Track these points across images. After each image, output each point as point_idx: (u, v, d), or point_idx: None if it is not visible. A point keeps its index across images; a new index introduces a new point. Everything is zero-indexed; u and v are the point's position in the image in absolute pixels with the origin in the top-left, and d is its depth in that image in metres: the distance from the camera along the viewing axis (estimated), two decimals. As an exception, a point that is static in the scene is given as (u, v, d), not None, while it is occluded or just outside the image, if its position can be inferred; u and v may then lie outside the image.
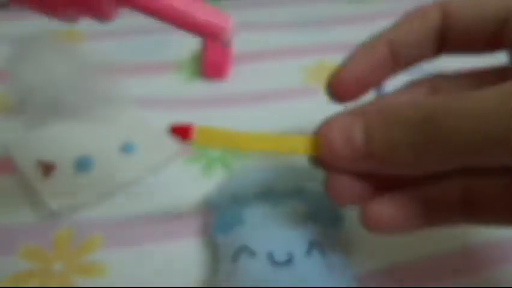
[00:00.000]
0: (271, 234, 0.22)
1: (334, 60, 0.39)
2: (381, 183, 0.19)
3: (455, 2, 0.20)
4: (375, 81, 0.21)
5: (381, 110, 0.18)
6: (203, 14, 0.14)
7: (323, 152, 0.18)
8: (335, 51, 0.40)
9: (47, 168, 0.27)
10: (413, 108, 0.16)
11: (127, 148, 0.29)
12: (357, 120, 0.18)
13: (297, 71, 0.38)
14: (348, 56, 0.21)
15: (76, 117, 0.31)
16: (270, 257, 0.21)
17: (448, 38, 0.20)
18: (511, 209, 0.19)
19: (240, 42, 0.39)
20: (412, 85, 0.22)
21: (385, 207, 0.19)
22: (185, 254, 0.25)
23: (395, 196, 0.19)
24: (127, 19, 0.46)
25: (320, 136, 0.19)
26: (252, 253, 0.22)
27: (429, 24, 0.20)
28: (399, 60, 0.21)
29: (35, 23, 0.30)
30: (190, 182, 0.29)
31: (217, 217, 0.25)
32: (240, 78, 0.37)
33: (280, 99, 0.35)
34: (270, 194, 0.25)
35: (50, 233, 0.25)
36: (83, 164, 0.28)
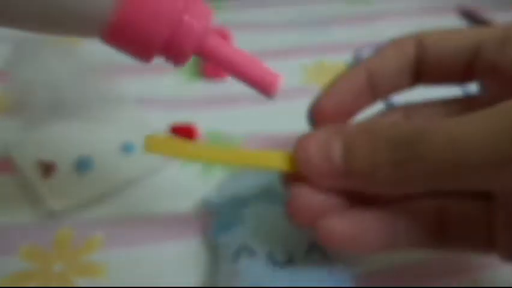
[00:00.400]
0: (271, 234, 0.22)
1: (334, 60, 0.39)
2: (352, 202, 0.19)
3: (429, 34, 0.20)
4: (354, 109, 0.21)
5: (364, 128, 0.18)
6: (259, 71, 0.17)
7: (300, 169, 0.18)
8: (335, 51, 0.40)
9: (47, 168, 0.27)
10: (398, 129, 0.17)
11: (127, 148, 0.29)
12: (336, 138, 0.18)
13: (297, 70, 0.38)
14: (328, 83, 0.21)
15: (76, 117, 0.31)
16: (270, 257, 0.21)
17: (424, 70, 0.21)
18: (486, 237, 0.19)
19: (240, 42, 0.39)
20: (387, 112, 0.23)
21: (339, 224, 0.18)
22: (186, 254, 0.25)
23: (356, 213, 0.18)
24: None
25: (297, 152, 0.18)
26: (252, 253, 0.22)
27: (404, 57, 0.20)
28: (377, 90, 0.21)
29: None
30: (190, 182, 0.29)
31: (217, 217, 0.25)
32: (239, 78, 0.37)
33: (280, 99, 0.35)
34: (270, 194, 0.25)
35: (50, 233, 0.25)
36: (83, 164, 0.28)
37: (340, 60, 0.38)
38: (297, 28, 0.43)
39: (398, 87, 0.21)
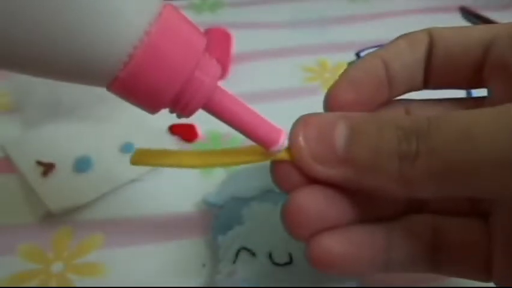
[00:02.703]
0: (271, 234, 0.22)
1: (334, 59, 0.39)
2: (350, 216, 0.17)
3: (439, 29, 0.19)
4: (372, 102, 0.19)
5: (372, 116, 0.16)
6: (264, 128, 0.16)
7: (295, 153, 0.16)
8: (335, 51, 0.40)
9: (46, 168, 0.27)
10: (410, 118, 0.15)
11: (126, 148, 0.29)
12: (341, 121, 0.16)
13: (296, 70, 0.38)
14: (344, 72, 0.19)
15: (76, 117, 0.31)
16: (270, 257, 0.21)
17: (433, 66, 0.19)
18: (482, 262, 0.17)
19: (239, 42, 0.39)
20: (388, 106, 0.21)
21: (336, 243, 0.16)
22: (186, 254, 0.25)
23: (351, 230, 0.17)
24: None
25: (294, 131, 0.16)
26: (252, 253, 0.22)
27: (418, 50, 0.19)
28: (392, 84, 0.19)
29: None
30: (190, 182, 0.28)
31: (217, 217, 0.25)
32: (239, 77, 0.37)
33: (280, 98, 0.35)
34: (270, 194, 0.25)
35: (49, 233, 0.25)
36: (82, 164, 0.28)
37: (341, 60, 0.38)
38: (297, 28, 0.43)
39: (412, 84, 0.20)
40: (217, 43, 0.37)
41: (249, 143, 0.17)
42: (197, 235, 0.26)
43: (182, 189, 0.28)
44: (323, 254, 0.16)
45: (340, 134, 0.16)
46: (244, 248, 0.22)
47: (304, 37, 0.42)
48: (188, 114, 0.16)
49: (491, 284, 0.18)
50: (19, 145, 0.29)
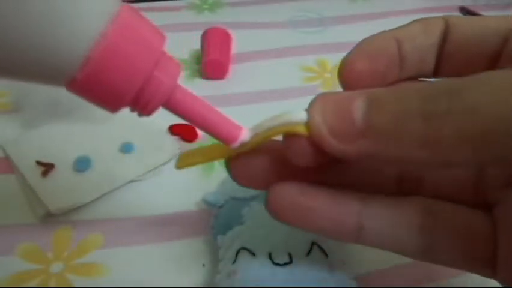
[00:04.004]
0: (271, 234, 0.22)
1: (334, 59, 0.39)
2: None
3: (455, 17, 0.18)
4: (385, 80, 0.18)
5: (390, 87, 0.15)
6: (224, 125, 0.17)
7: (312, 129, 0.15)
8: (335, 51, 0.40)
9: (46, 169, 0.27)
10: (430, 84, 0.14)
11: (126, 148, 0.29)
12: (359, 94, 0.15)
13: (296, 70, 0.38)
14: (357, 46, 0.19)
15: (75, 118, 0.31)
16: (270, 257, 0.21)
17: (447, 53, 0.19)
18: (483, 254, 0.17)
19: (239, 41, 0.39)
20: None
21: (292, 194, 0.17)
22: (185, 254, 0.25)
23: (322, 188, 0.17)
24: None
25: (312, 108, 0.16)
26: (252, 253, 0.22)
27: (432, 34, 0.18)
28: (404, 65, 0.19)
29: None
30: (190, 182, 0.28)
31: (217, 217, 0.25)
32: (239, 77, 0.37)
33: (279, 98, 0.35)
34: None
35: (49, 233, 0.25)
36: (82, 164, 0.28)
37: (341, 59, 0.38)
38: (297, 27, 0.43)
39: (423, 68, 0.19)
40: (217, 43, 0.37)
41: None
42: (197, 235, 0.26)
43: (182, 189, 0.28)
44: (276, 203, 0.17)
45: (358, 106, 0.15)
46: (244, 248, 0.22)
47: (304, 37, 0.42)
48: (149, 113, 0.16)
49: (492, 284, 0.18)
50: (19, 145, 0.29)
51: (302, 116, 0.16)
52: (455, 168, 0.18)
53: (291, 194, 0.17)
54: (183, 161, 0.19)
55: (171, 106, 0.16)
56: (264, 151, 0.18)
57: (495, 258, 0.16)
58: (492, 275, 0.17)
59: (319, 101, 0.16)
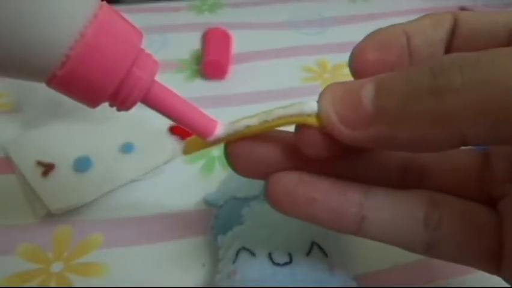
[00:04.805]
0: (271, 234, 0.22)
1: (334, 59, 0.39)
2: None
3: (464, 12, 0.18)
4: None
5: (397, 71, 0.15)
6: (199, 119, 0.17)
7: (322, 119, 0.15)
8: (335, 51, 0.40)
9: (46, 169, 0.27)
10: (438, 59, 0.14)
11: (126, 148, 0.29)
12: (367, 82, 0.15)
13: (296, 70, 0.38)
14: (367, 36, 0.18)
15: (75, 118, 0.31)
16: (270, 257, 0.21)
17: (455, 48, 0.18)
18: (488, 250, 0.16)
19: (239, 42, 0.39)
20: None
21: (291, 183, 0.17)
22: (186, 254, 0.25)
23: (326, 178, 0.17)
24: (127, 19, 0.46)
25: (321, 97, 0.15)
26: (252, 253, 0.22)
27: (441, 28, 0.18)
28: (412, 60, 0.18)
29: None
30: (190, 182, 0.28)
31: (217, 217, 0.25)
32: (239, 77, 0.37)
33: (279, 98, 0.35)
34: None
35: (49, 233, 0.25)
36: (82, 164, 0.28)
37: (341, 60, 0.38)
38: (297, 28, 0.43)
39: None
40: (217, 43, 0.37)
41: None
42: (197, 235, 0.26)
43: (182, 189, 0.28)
44: (280, 187, 0.17)
45: (367, 91, 0.15)
46: (244, 248, 0.22)
47: (304, 37, 0.42)
48: (127, 108, 0.16)
49: (492, 284, 0.18)
50: (19, 145, 0.29)
51: (313, 106, 0.15)
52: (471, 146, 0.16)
53: (291, 182, 0.17)
54: (189, 147, 0.19)
55: (149, 101, 0.17)
56: (267, 139, 0.17)
57: (500, 254, 0.16)
58: (496, 271, 0.16)
59: (328, 90, 0.15)
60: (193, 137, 0.19)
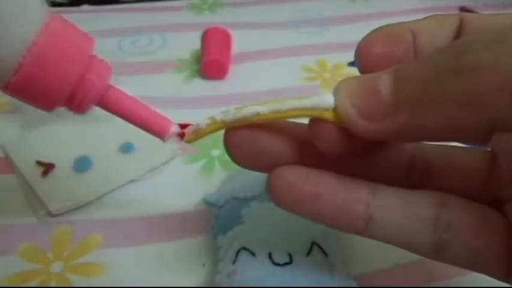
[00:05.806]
0: (272, 235, 0.22)
1: (334, 59, 0.39)
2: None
3: (470, 14, 0.18)
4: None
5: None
6: (155, 120, 0.18)
7: (341, 114, 0.14)
8: (335, 51, 0.40)
9: (46, 168, 0.27)
10: (459, 40, 0.13)
11: (126, 148, 0.29)
12: (384, 73, 0.14)
13: (296, 70, 0.38)
14: (373, 32, 0.18)
15: (76, 118, 0.30)
16: (270, 257, 0.21)
17: None
18: (497, 256, 0.16)
19: (239, 42, 0.39)
20: None
21: (295, 177, 0.16)
22: (185, 254, 0.25)
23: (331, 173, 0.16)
24: (127, 18, 0.46)
25: (336, 95, 0.15)
26: (252, 253, 0.22)
27: (447, 28, 0.18)
28: (417, 57, 0.18)
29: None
30: (190, 182, 0.28)
31: (217, 217, 0.25)
32: (239, 77, 0.37)
33: (279, 98, 0.35)
34: (270, 193, 0.25)
35: (49, 233, 0.25)
36: (82, 164, 0.28)
37: (341, 60, 0.38)
38: (297, 27, 0.43)
39: None
40: (217, 43, 0.37)
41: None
42: (197, 235, 0.26)
43: (182, 189, 0.28)
44: (283, 182, 0.16)
45: (385, 81, 0.14)
46: (244, 248, 0.22)
47: (304, 37, 0.42)
48: (83, 111, 0.17)
49: (491, 284, 0.18)
50: (19, 145, 0.29)
51: (330, 100, 0.15)
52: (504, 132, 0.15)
53: (296, 177, 0.16)
54: (191, 135, 0.18)
55: (104, 105, 0.17)
56: (274, 130, 0.17)
57: (510, 259, 0.16)
58: (505, 277, 0.16)
59: (343, 84, 0.15)
60: (195, 124, 0.18)
